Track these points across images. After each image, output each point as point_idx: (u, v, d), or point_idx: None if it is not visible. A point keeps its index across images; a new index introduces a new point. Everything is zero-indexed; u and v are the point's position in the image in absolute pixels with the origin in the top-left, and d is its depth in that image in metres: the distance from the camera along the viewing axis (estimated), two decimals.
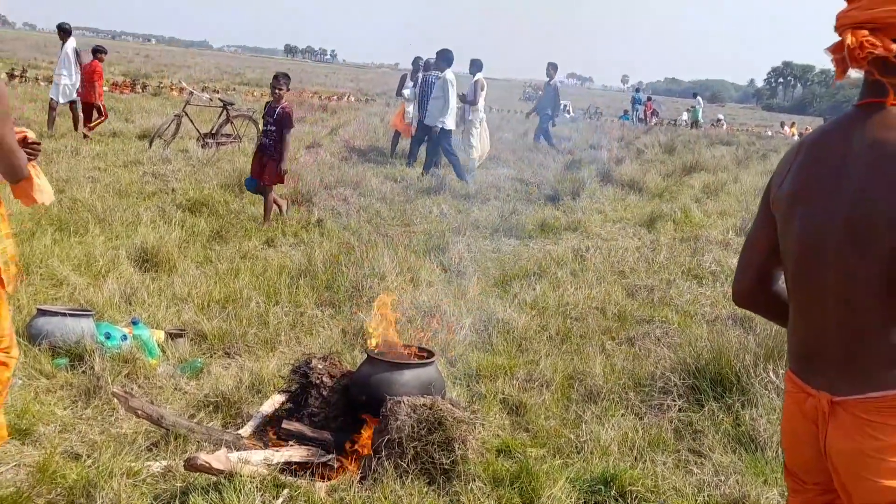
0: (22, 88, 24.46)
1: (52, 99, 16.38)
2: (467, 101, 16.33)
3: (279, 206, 10.02)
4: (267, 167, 9.59)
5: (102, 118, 16.63)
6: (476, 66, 17.07)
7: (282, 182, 9.90)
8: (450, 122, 14.82)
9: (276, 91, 9.64)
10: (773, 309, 2.45)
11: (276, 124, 9.56)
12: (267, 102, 9.99)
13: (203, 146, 15.16)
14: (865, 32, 2.05)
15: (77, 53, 16.27)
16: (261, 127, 10.90)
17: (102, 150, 14.29)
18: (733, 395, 5.17)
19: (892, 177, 1.97)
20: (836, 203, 2.07)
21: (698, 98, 46.89)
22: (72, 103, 16.42)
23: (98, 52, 17.17)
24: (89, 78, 16.52)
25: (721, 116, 52.17)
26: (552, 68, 19.82)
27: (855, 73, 2.18)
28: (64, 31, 16.36)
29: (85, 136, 15.74)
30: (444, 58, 14.89)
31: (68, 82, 16.14)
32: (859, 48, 2.04)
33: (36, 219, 8.41)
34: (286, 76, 9.94)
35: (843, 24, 2.10)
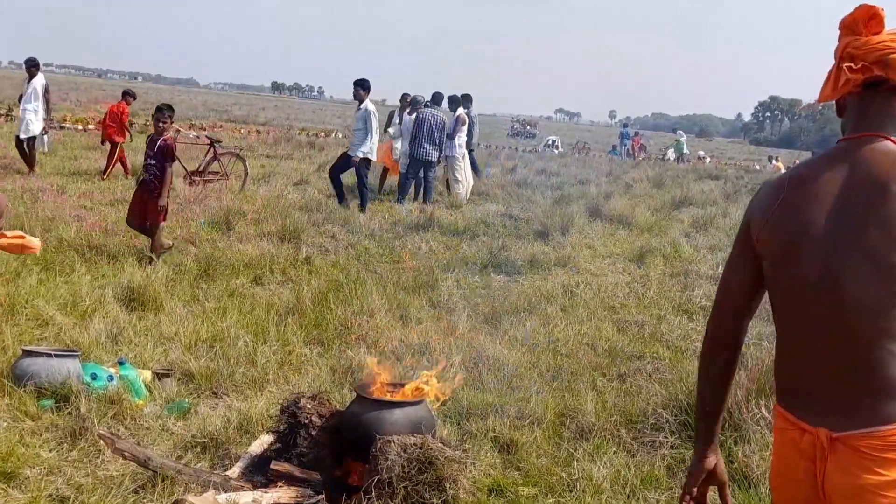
0: (8, 128, 24.40)
1: (16, 137, 16.06)
2: (450, 137, 16.53)
3: (163, 245, 9.48)
4: (149, 206, 9.25)
5: (114, 161, 16.63)
6: (454, 102, 17.25)
7: (163, 219, 9.50)
8: (372, 153, 14.62)
9: (160, 124, 9.41)
10: (734, 358, 2.38)
11: (157, 157, 9.27)
12: (149, 136, 9.69)
13: (190, 184, 15.15)
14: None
15: (46, 90, 16.05)
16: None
17: (89, 189, 14.26)
18: (726, 431, 5.13)
19: None
20: (844, 233, 2.06)
21: (679, 132, 47.39)
22: (30, 140, 15.93)
23: (127, 94, 17.44)
24: (120, 120, 16.82)
25: (702, 153, 52.50)
26: (468, 100, 19.71)
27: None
28: (34, 67, 16.09)
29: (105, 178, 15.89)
30: (364, 86, 14.55)
31: (33, 117, 15.81)
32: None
33: (21, 258, 8.35)
34: (170, 108, 9.75)
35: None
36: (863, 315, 2.02)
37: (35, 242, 4.00)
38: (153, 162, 9.29)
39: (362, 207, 14.28)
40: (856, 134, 2.16)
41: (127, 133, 17.46)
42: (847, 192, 2.08)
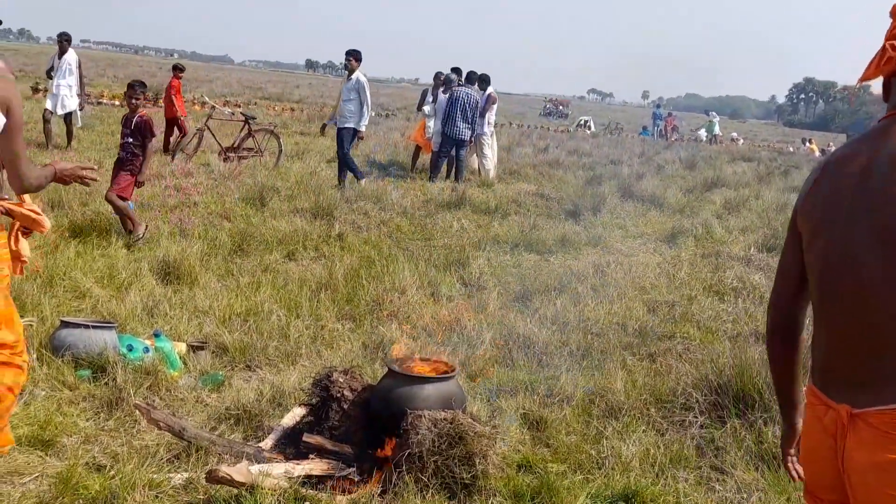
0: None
1: (46, 110, 15.79)
2: (481, 114, 16.60)
3: (132, 220, 8.97)
4: (119, 178, 8.91)
5: (181, 135, 16.73)
6: (485, 80, 17.25)
7: (129, 196, 9.02)
8: (363, 125, 14.10)
9: (133, 101, 9.13)
10: (792, 340, 2.45)
11: (135, 135, 8.94)
12: (124, 115, 9.35)
13: (225, 160, 15.25)
14: None
15: (79, 65, 15.99)
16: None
17: None
18: (756, 411, 5.13)
19: None
20: (861, 212, 2.05)
21: (712, 113, 47.17)
22: (67, 116, 15.99)
23: (177, 69, 17.56)
24: (167, 94, 17.08)
25: (735, 134, 52.02)
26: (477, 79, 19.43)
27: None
28: (67, 41, 15.93)
29: (170, 154, 15.73)
30: (357, 57, 14.18)
31: (68, 93, 15.81)
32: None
33: (60, 231, 8.47)
34: (142, 84, 9.52)
35: None
36: (880, 294, 2.01)
37: (46, 223, 4.05)
38: (130, 140, 8.97)
39: (357, 175, 14.05)
40: (891, 112, 2.15)
41: (173, 107, 17.40)
42: (870, 171, 2.07)
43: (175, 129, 17.07)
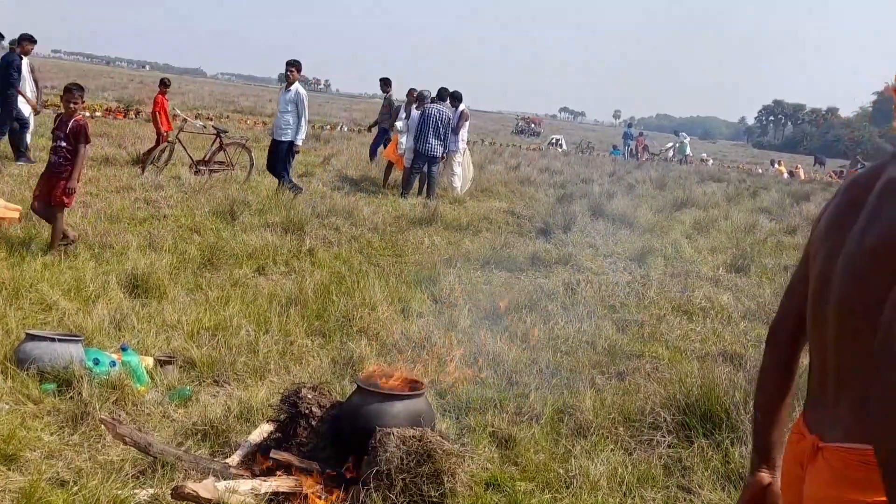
0: None
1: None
2: (454, 132, 16.69)
3: (66, 235, 8.68)
4: (56, 187, 8.56)
5: (154, 146, 16.48)
6: (457, 98, 17.37)
7: (68, 204, 8.74)
8: (300, 139, 14.02)
9: (71, 105, 8.68)
10: (787, 362, 2.37)
11: (69, 139, 8.53)
12: (57, 115, 9.05)
13: (195, 173, 15.15)
14: None
15: (32, 70, 15.54)
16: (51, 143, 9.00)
17: (94, 175, 14.24)
18: (723, 431, 5.16)
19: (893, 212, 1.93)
20: (850, 237, 2.03)
21: (682, 134, 47.64)
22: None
23: (163, 84, 17.51)
24: (153, 110, 17.28)
25: (705, 155, 52.53)
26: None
27: None
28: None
29: (140, 166, 15.47)
30: (298, 68, 14.13)
31: (23, 100, 15.30)
32: None
33: (26, 242, 8.40)
34: (80, 88, 9.02)
35: None
36: (854, 323, 1.98)
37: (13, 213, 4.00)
38: (63, 144, 8.61)
39: (293, 188, 13.93)
40: None
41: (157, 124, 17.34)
42: (865, 197, 2.05)
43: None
